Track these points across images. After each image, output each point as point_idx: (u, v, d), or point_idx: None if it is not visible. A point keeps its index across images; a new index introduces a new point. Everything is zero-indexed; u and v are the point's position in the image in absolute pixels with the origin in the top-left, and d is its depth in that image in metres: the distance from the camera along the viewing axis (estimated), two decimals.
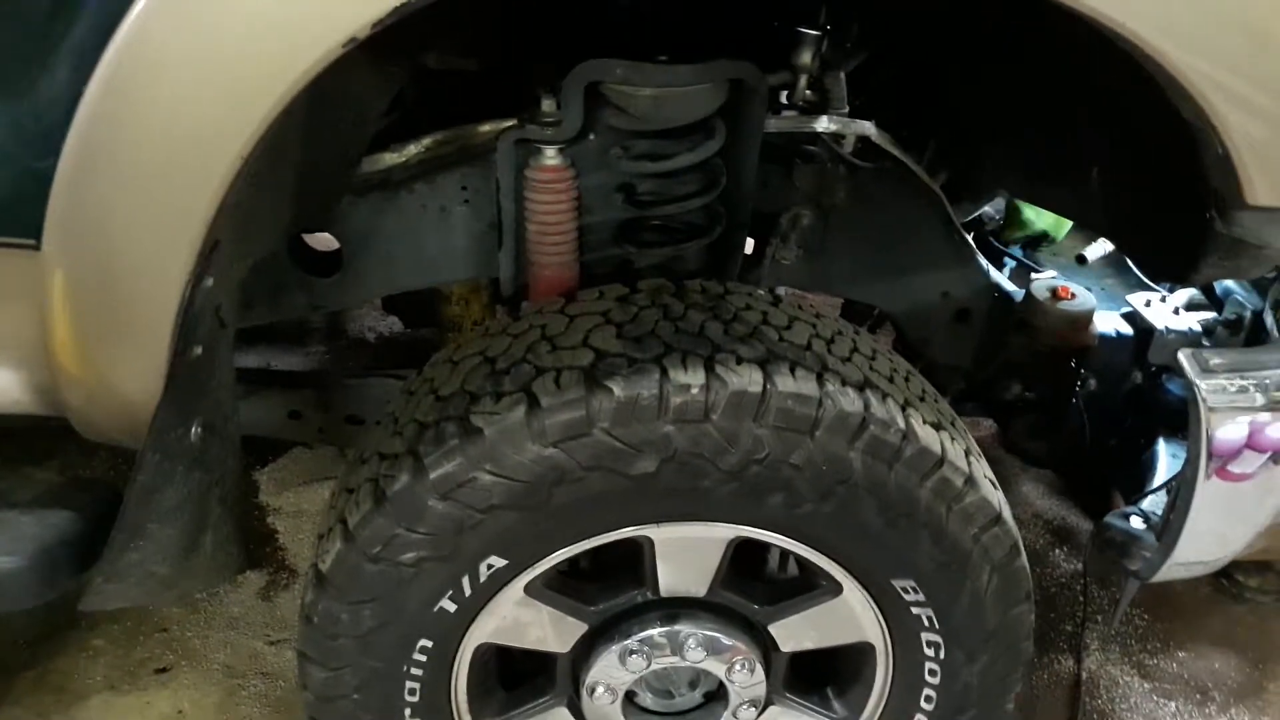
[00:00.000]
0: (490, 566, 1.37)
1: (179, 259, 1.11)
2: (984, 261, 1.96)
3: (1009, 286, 2.01)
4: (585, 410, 1.29)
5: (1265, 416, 1.51)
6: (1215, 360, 1.50)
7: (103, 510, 1.40)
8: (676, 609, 1.49)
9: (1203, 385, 1.48)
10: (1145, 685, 2.26)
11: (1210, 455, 1.51)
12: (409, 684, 1.45)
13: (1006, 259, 2.21)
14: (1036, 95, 1.62)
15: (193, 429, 1.25)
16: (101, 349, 1.20)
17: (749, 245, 1.84)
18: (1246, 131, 1.20)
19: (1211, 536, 1.65)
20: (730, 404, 1.29)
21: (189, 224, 1.09)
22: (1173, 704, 2.22)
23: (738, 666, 1.51)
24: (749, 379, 1.30)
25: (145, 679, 2.08)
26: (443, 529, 1.33)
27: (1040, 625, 1.59)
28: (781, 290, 1.86)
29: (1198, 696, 2.25)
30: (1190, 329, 1.98)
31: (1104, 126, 1.54)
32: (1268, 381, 1.51)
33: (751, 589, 1.51)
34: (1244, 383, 1.49)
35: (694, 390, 1.29)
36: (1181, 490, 1.57)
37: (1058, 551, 2.61)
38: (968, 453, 1.44)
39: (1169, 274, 1.59)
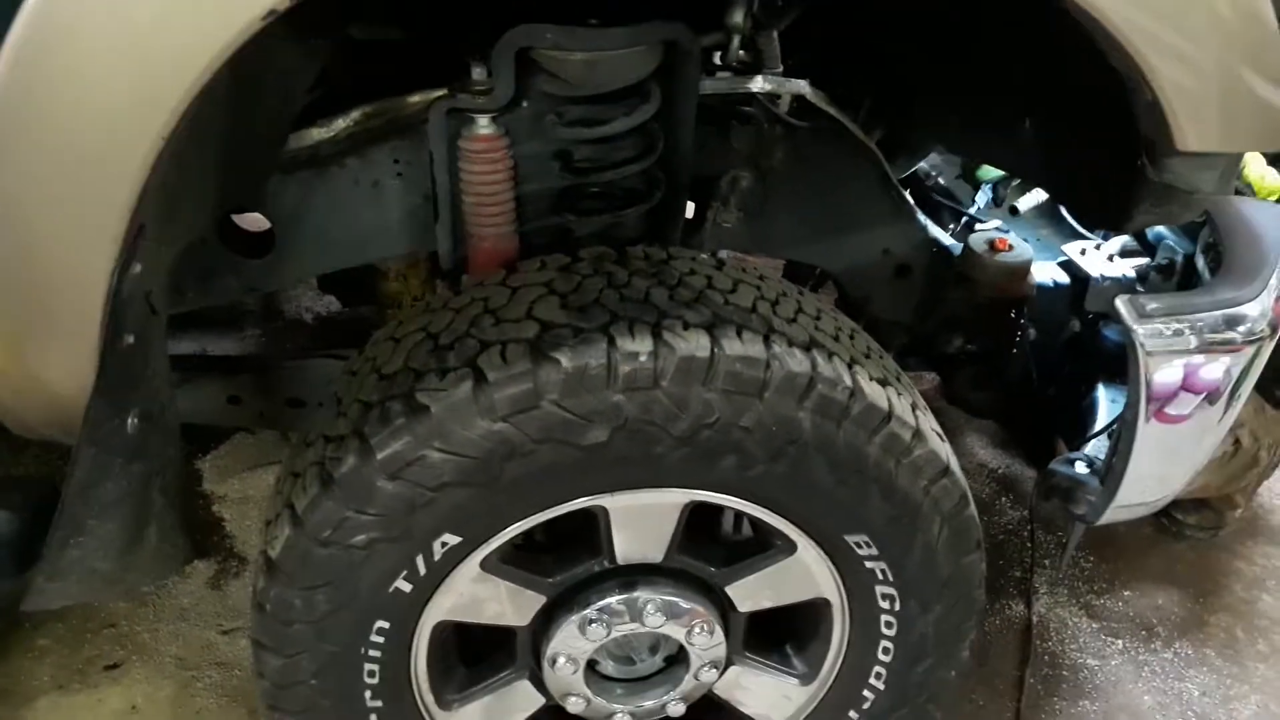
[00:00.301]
0: (444, 544, 1.35)
1: (103, 246, 1.06)
2: (922, 216, 1.97)
3: (947, 240, 2.02)
4: (533, 383, 1.27)
5: (1199, 358, 1.55)
6: (1151, 305, 1.53)
7: (39, 508, 1.36)
8: (634, 576, 1.49)
9: (1140, 330, 1.51)
10: (1093, 625, 2.33)
11: (1149, 398, 1.54)
12: (367, 666, 1.43)
13: (960, 214, 2.23)
14: (969, 49, 1.63)
15: (129, 420, 1.21)
16: (29, 342, 1.15)
17: (688, 209, 1.83)
18: (1175, 80, 1.22)
19: (1152, 478, 1.69)
20: (679, 370, 1.29)
21: (111, 209, 1.04)
22: (1119, 641, 2.30)
23: (697, 629, 1.52)
24: (696, 344, 1.30)
25: (95, 676, 2.04)
26: (393, 509, 1.31)
27: (990, 572, 1.62)
28: (723, 254, 1.86)
29: (1143, 633, 2.32)
30: (1125, 276, 2.02)
31: (1036, 78, 1.55)
32: (1200, 324, 1.55)
33: (707, 552, 1.52)
34: (1179, 326, 1.53)
35: (642, 358, 1.28)
36: (1123, 434, 1.61)
37: (1003, 500, 2.67)
38: (914, 407, 1.45)
39: (1103, 222, 1.62)
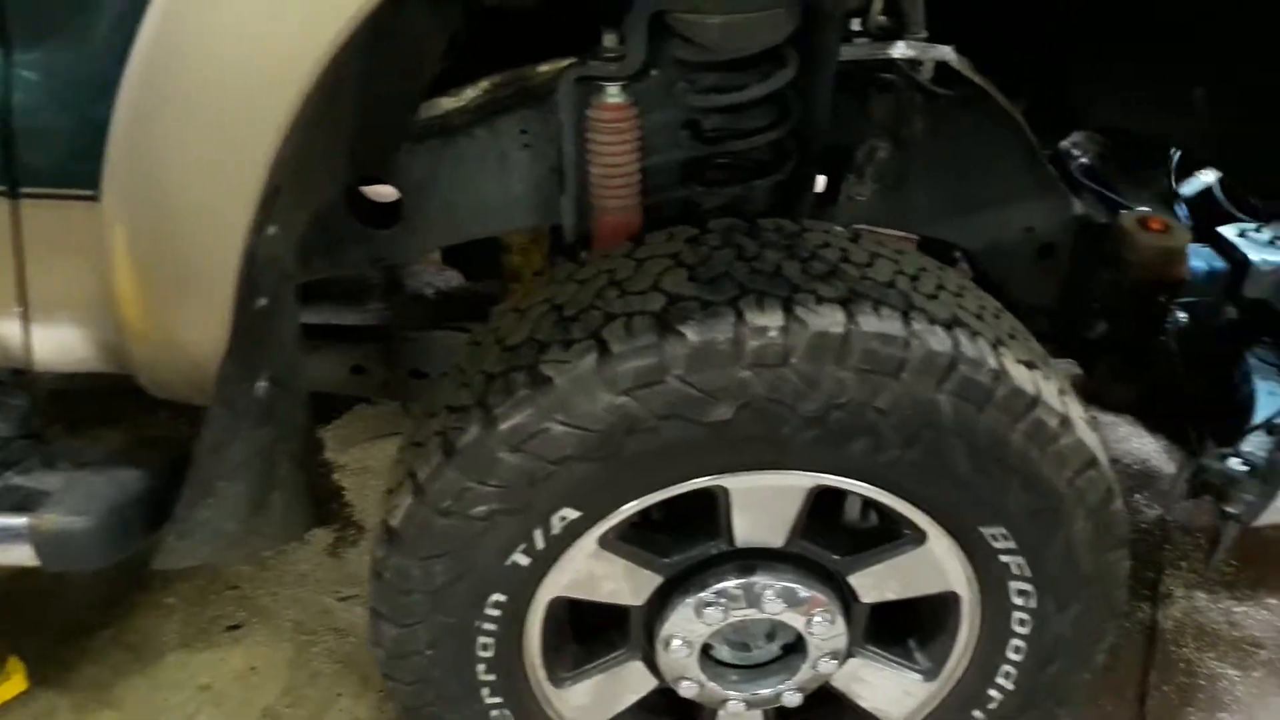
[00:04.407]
0: (563, 519, 1.34)
1: (240, 206, 1.07)
2: (1069, 194, 1.86)
3: (1096, 219, 1.91)
4: (658, 357, 1.24)
5: None
6: None
7: (172, 468, 1.39)
8: (753, 560, 1.45)
9: None
10: (1234, 634, 2.19)
11: None
12: (482, 639, 1.43)
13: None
14: (1135, 11, 1.52)
15: (259, 383, 1.23)
16: (165, 302, 1.17)
17: (817, 182, 1.76)
18: None
19: None
20: (811, 346, 1.24)
21: (250, 169, 1.05)
22: (1263, 652, 2.16)
23: (817, 618, 1.47)
24: (830, 319, 1.24)
25: (218, 636, 2.10)
26: (514, 481, 1.29)
27: None
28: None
29: None
30: None
31: (1209, 44, 1.44)
32: None
33: (831, 538, 1.46)
34: None
35: (772, 333, 1.24)
36: None
37: (1137, 496, 2.53)
38: (1062, 393, 1.37)
39: None
